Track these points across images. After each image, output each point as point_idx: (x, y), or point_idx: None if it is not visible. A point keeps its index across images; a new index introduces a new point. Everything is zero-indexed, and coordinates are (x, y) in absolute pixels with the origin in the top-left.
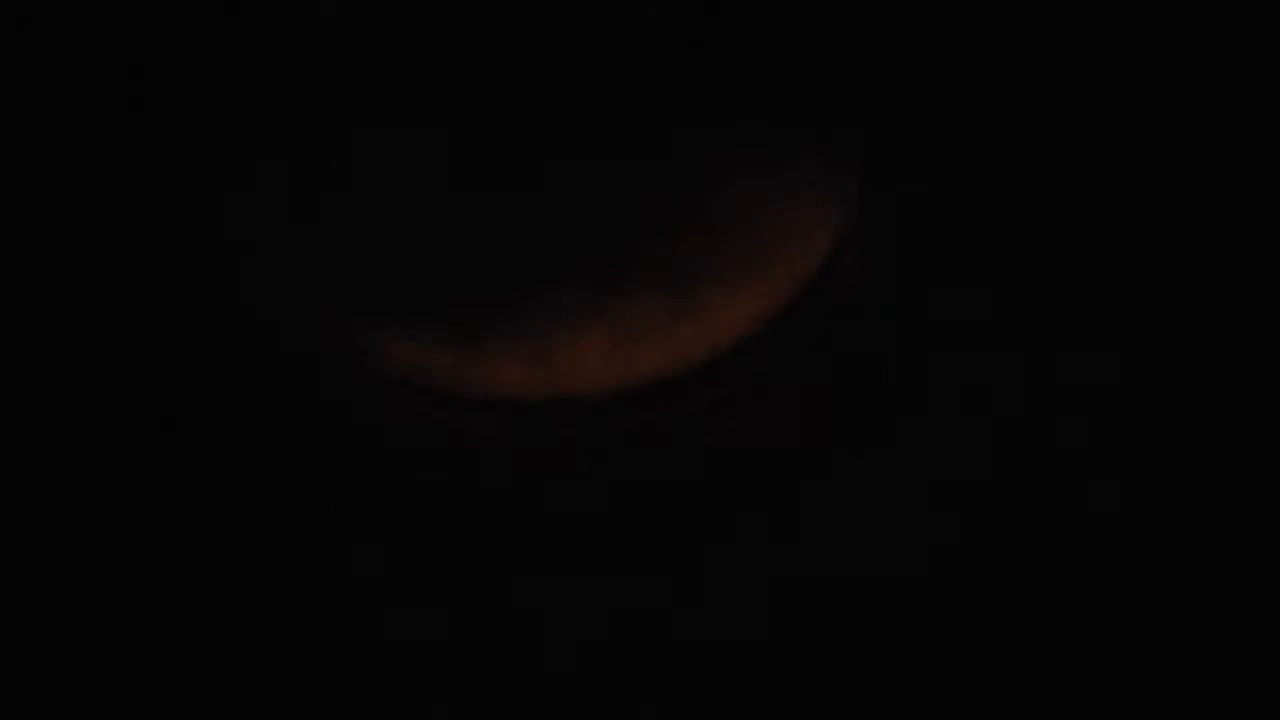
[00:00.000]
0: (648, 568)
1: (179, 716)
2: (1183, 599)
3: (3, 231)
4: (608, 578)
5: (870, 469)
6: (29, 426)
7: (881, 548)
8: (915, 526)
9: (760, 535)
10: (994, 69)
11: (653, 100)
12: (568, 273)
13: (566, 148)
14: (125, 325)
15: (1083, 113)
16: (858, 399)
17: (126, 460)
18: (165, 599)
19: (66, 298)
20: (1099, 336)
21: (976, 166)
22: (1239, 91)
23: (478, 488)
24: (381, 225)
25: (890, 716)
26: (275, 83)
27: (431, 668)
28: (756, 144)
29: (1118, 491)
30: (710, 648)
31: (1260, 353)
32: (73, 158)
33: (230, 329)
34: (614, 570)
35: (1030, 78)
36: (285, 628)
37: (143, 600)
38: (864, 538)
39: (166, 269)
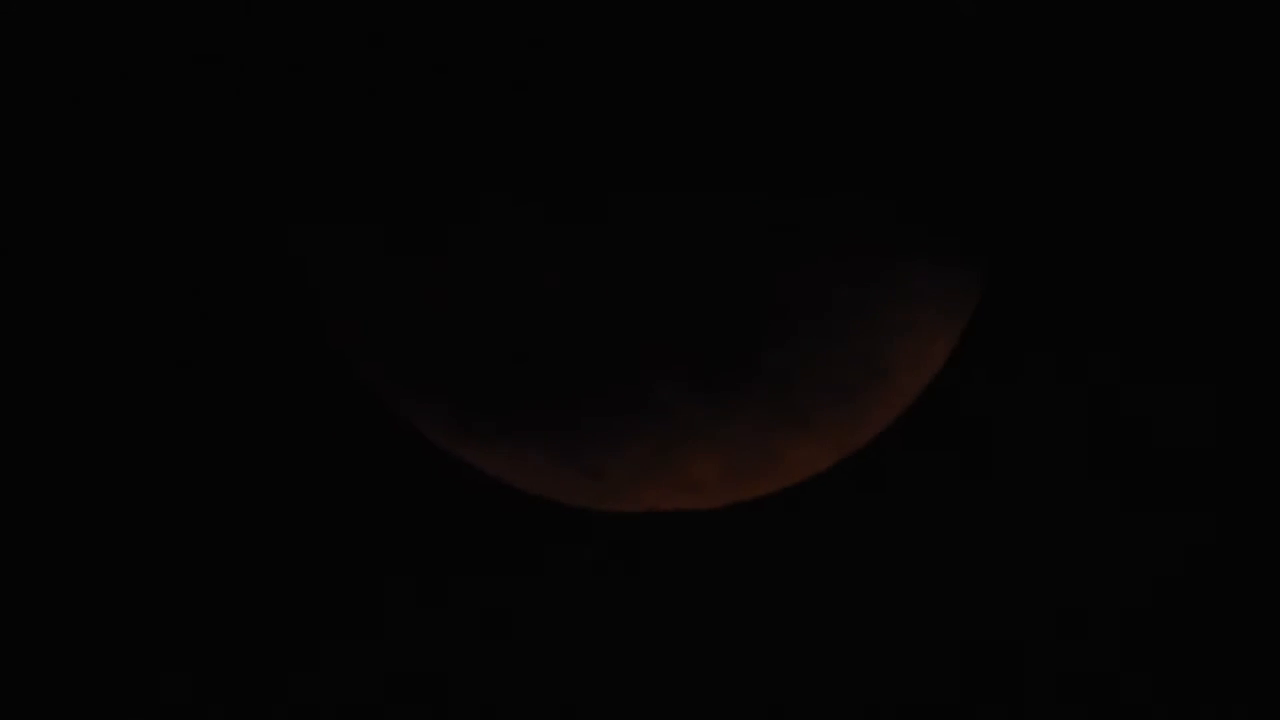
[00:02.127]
0: None
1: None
2: None
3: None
4: None
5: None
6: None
7: None
8: None
9: None
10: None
11: (768, 195)
12: (683, 385)
13: (687, 250)
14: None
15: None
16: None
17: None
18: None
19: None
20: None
21: (1093, 273)
22: None
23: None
24: (498, 325)
25: None
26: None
27: None
28: (877, 241)
29: None
30: None
31: None
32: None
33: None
34: None
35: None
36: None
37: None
38: None
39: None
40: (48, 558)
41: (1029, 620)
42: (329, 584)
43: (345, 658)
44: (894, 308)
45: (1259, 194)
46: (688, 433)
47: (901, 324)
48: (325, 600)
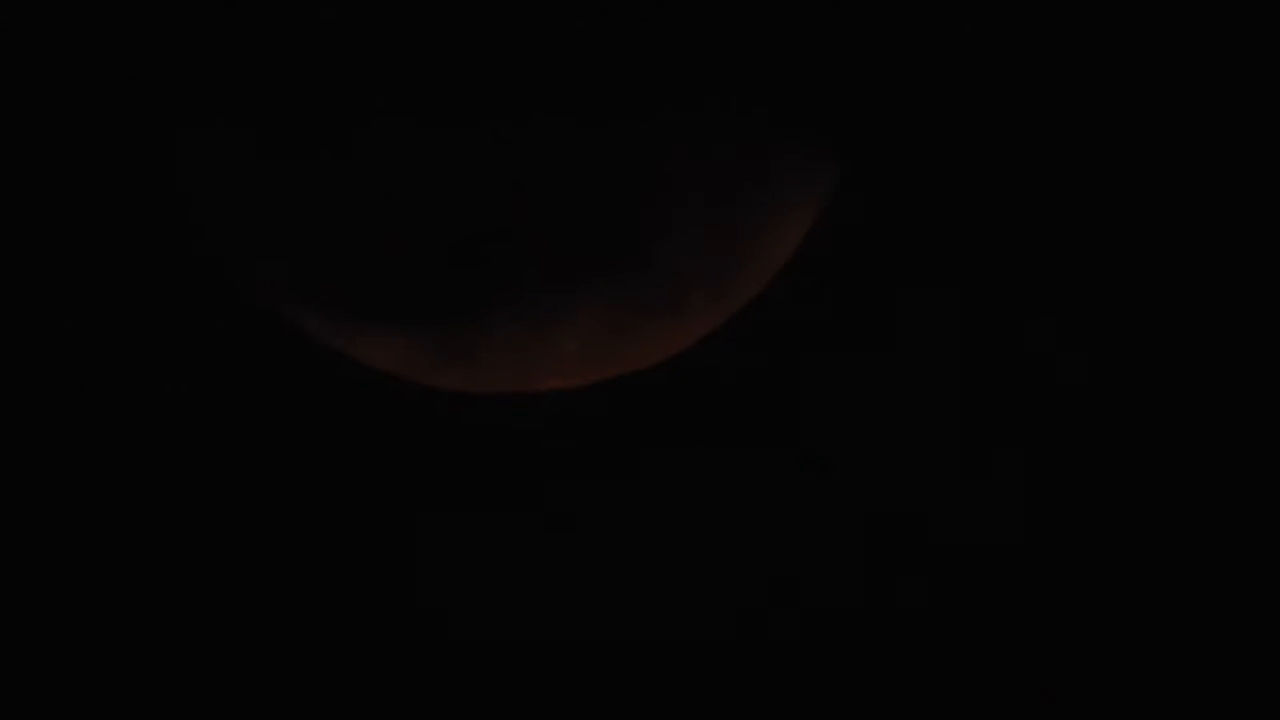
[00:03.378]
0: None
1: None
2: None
3: None
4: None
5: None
6: None
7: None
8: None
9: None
10: (967, 69)
11: (625, 89)
12: (542, 273)
13: (540, 144)
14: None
15: (1050, 114)
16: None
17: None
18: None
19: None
20: (1065, 337)
21: (948, 165)
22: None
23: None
24: (358, 220)
25: None
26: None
27: None
28: (728, 137)
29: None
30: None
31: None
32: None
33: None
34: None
35: (1001, 79)
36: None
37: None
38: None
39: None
40: None
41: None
42: (221, 483)
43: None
44: (752, 196)
45: (1094, 112)
46: (553, 316)
47: (759, 213)
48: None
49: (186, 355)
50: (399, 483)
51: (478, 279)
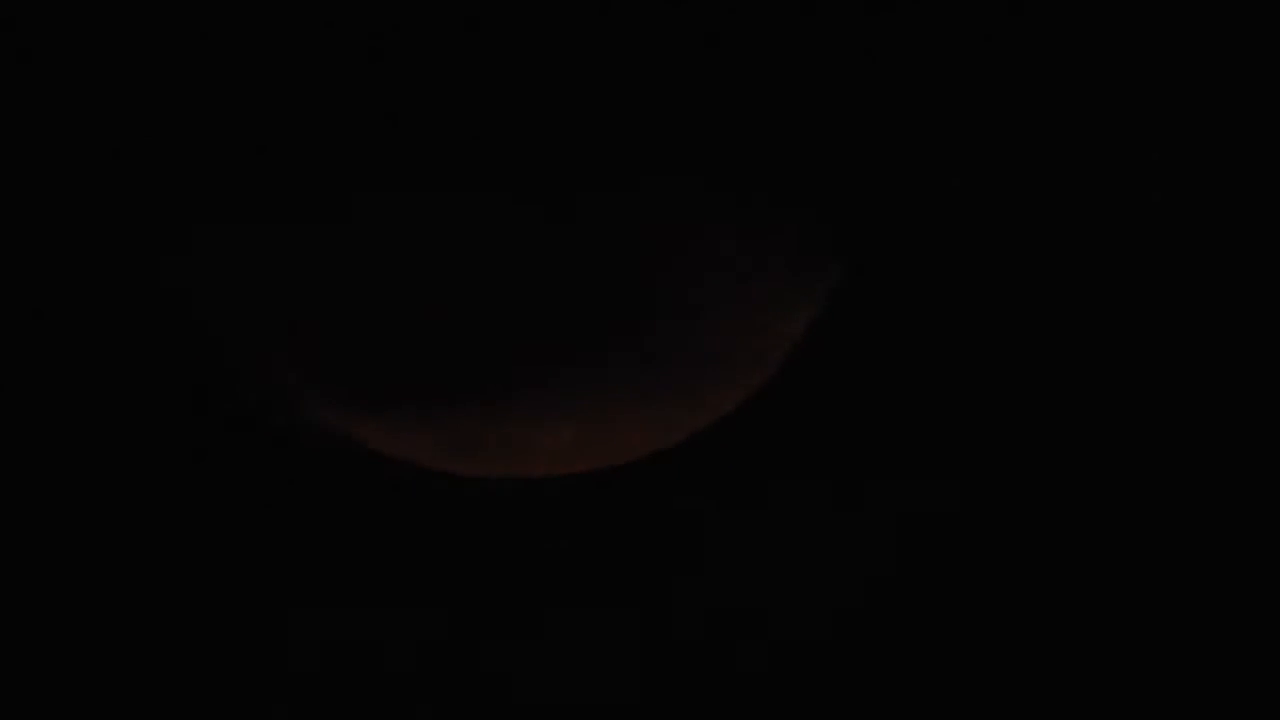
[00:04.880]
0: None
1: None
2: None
3: None
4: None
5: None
6: None
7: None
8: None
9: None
10: (970, 166)
11: (626, 169)
12: (544, 363)
13: (545, 234)
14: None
15: (1046, 206)
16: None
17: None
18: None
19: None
20: (1071, 423)
21: (955, 251)
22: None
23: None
24: (361, 306)
25: None
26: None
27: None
28: (730, 224)
29: None
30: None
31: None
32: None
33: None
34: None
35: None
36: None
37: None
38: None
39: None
40: None
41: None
42: (225, 561)
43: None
44: (754, 283)
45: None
46: (547, 405)
47: (760, 300)
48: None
49: (190, 444)
50: (398, 567)
51: (474, 365)
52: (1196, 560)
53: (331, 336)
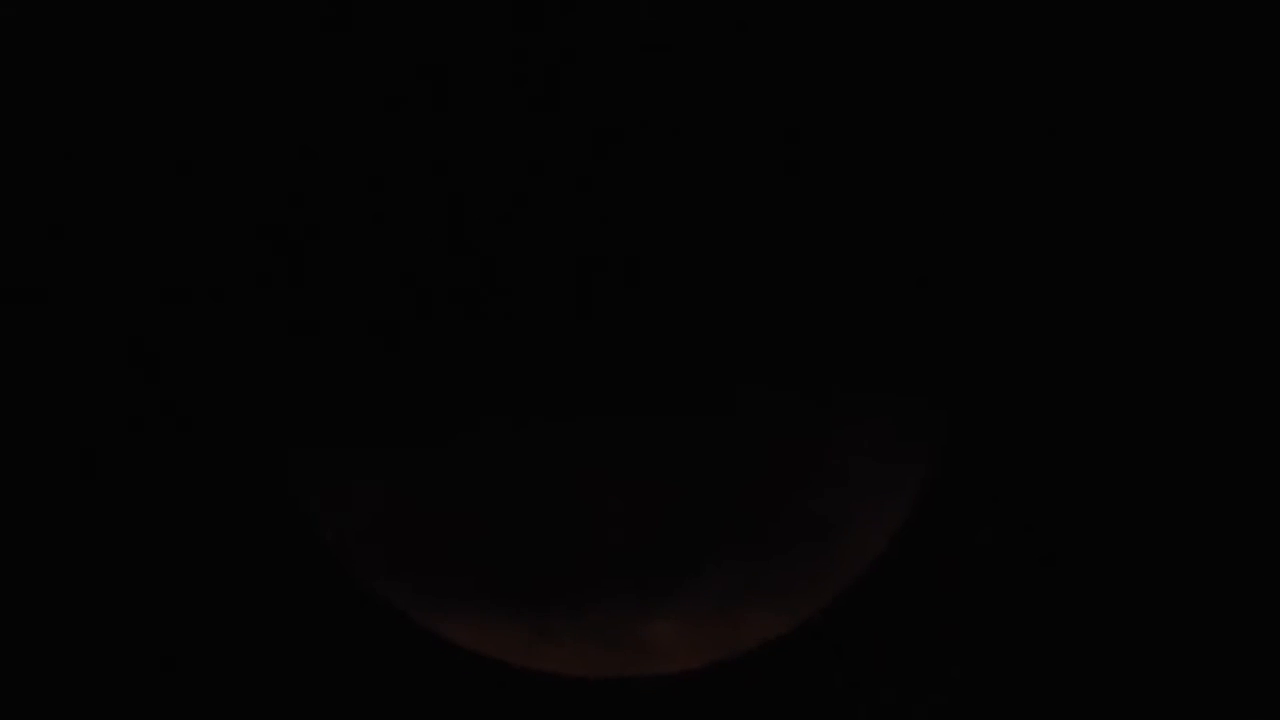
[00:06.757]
0: None
1: None
2: None
3: None
4: None
5: None
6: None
7: None
8: None
9: None
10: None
11: (725, 363)
12: (644, 553)
13: (643, 424)
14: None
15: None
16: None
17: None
18: None
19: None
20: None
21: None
22: None
23: None
24: (458, 505)
25: None
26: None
27: None
28: (832, 409)
29: None
30: None
31: None
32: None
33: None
34: None
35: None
36: None
37: None
38: None
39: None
40: None
41: None
42: None
43: None
44: (844, 479)
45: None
46: (648, 601)
47: (854, 495)
48: None
49: (287, 635)
50: None
51: (570, 565)
52: (1199, 564)
53: (422, 529)
